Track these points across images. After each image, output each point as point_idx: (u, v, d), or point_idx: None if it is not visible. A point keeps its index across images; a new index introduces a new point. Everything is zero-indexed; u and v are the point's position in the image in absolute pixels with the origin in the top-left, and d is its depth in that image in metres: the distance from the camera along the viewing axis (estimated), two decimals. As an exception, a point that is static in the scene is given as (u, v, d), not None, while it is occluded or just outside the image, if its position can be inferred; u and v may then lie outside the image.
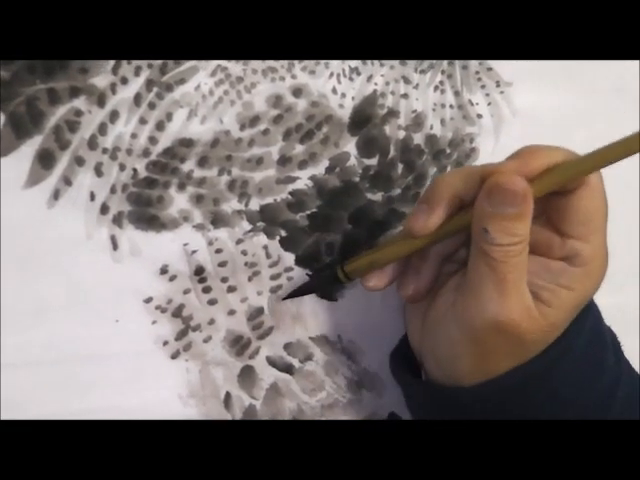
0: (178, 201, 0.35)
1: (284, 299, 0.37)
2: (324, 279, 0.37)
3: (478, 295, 0.31)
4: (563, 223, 0.32)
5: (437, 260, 0.35)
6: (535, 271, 0.32)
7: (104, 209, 0.34)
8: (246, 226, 0.37)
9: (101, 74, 0.34)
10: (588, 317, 0.33)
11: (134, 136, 0.35)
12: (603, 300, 0.35)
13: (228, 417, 0.37)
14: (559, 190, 0.31)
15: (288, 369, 0.38)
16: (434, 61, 0.39)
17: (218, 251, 0.36)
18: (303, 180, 0.37)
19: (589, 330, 0.34)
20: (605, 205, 0.32)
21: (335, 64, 0.37)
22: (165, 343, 0.36)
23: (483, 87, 0.40)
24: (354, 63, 0.38)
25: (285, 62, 0.36)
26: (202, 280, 0.36)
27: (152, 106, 0.35)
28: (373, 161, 0.38)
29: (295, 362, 0.38)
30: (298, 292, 0.37)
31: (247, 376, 0.37)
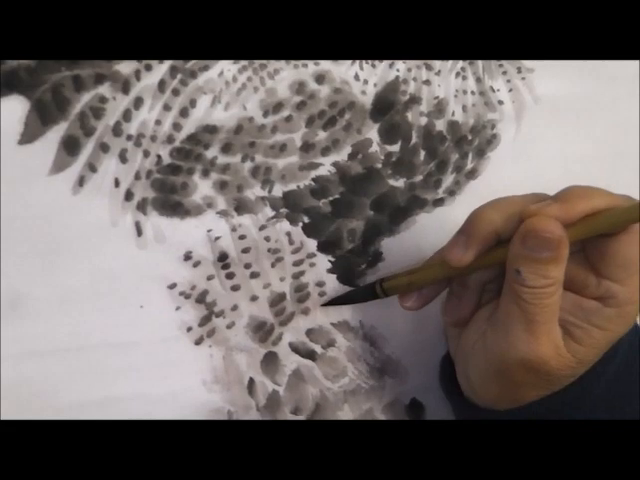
0: (202, 187, 0.36)
1: (323, 305, 0.38)
2: (362, 293, 0.37)
3: (507, 332, 0.31)
4: (601, 264, 0.31)
5: (478, 287, 0.35)
6: (568, 308, 0.32)
7: (128, 195, 0.34)
8: (269, 212, 0.37)
9: (125, 61, 0.34)
10: (622, 339, 0.33)
11: (158, 123, 0.35)
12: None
13: (252, 403, 0.37)
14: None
15: (311, 355, 0.38)
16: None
17: (241, 237, 0.36)
18: (326, 166, 0.37)
19: (623, 352, 0.33)
20: None
21: (357, 50, 0.37)
22: (189, 329, 0.36)
23: (504, 73, 0.40)
24: (376, 49, 0.38)
25: (308, 48, 0.36)
26: (225, 266, 0.36)
27: (176, 93, 0.35)
28: (395, 147, 0.38)
29: (317, 348, 0.38)
30: (336, 301, 0.38)
31: (270, 362, 0.37)
